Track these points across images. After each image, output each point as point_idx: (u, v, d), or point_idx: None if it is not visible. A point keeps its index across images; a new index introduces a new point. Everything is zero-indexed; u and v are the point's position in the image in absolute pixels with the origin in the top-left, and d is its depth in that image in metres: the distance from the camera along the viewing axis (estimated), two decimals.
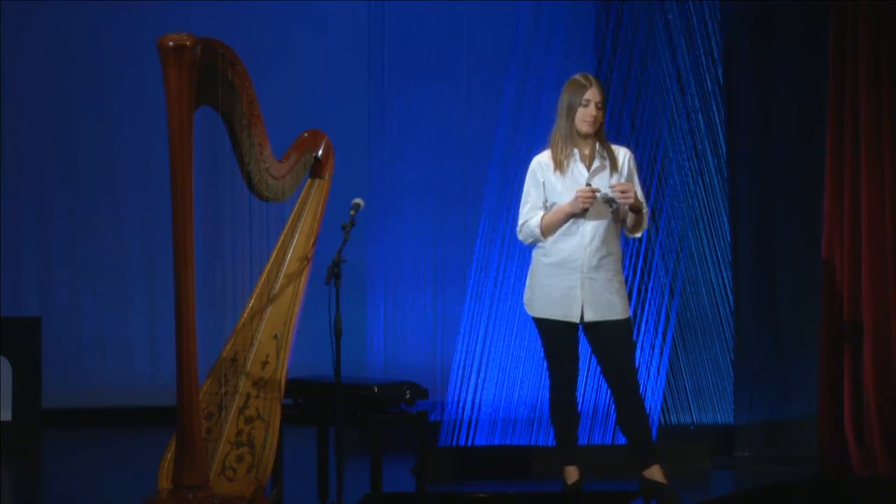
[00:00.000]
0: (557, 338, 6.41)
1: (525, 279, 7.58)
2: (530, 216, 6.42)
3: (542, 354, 7.83)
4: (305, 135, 6.26)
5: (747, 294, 7.89)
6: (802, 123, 7.79)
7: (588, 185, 6.28)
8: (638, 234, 6.49)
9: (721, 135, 7.98)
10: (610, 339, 6.37)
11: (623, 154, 6.43)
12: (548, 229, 6.37)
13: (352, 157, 7.49)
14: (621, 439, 7.76)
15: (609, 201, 6.30)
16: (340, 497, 6.02)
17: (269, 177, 6.02)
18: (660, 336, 7.85)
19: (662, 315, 7.87)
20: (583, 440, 7.73)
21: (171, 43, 5.66)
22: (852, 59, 7.23)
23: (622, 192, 6.25)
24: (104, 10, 9.30)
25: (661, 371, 7.84)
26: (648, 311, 7.87)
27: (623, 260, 6.51)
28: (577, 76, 6.40)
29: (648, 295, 7.88)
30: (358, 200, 6.20)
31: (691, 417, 8.01)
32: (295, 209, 6.27)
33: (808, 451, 7.59)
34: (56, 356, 9.17)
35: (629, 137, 7.92)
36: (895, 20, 7.17)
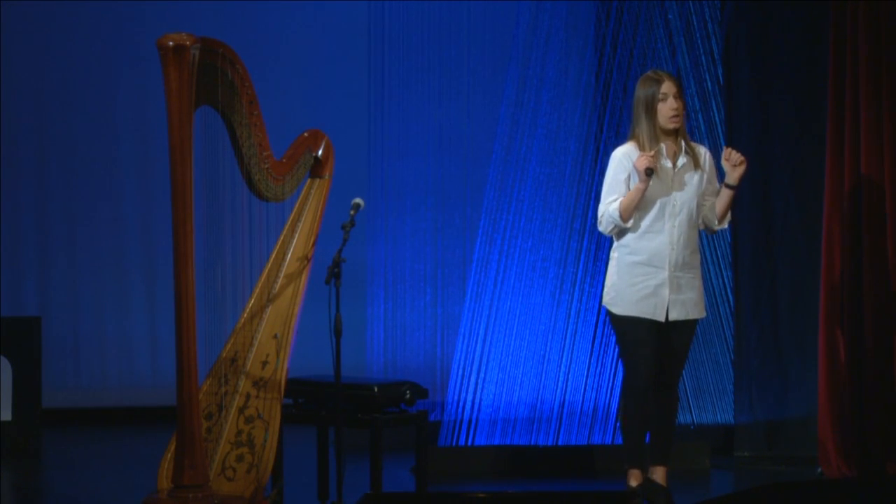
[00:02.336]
0: (639, 336, 6.33)
1: (525, 279, 7.59)
2: (610, 205, 6.32)
3: (541, 354, 7.85)
4: (305, 135, 6.26)
5: (747, 294, 7.89)
6: (802, 123, 7.79)
7: (649, 170, 6.19)
8: (724, 226, 6.44)
9: (721, 135, 7.98)
10: (682, 338, 6.37)
11: (704, 152, 6.42)
12: (626, 209, 6.26)
13: (352, 157, 7.49)
14: (620, 439, 7.76)
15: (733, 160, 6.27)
16: (340, 497, 6.02)
17: (269, 177, 6.02)
18: None
19: None
20: (583, 440, 7.74)
21: (171, 43, 5.66)
22: (852, 59, 7.23)
23: (739, 162, 6.23)
24: (104, 10, 9.30)
25: None
26: None
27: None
28: (648, 73, 6.36)
29: None
30: (358, 200, 6.20)
31: (691, 417, 8.01)
32: (295, 209, 6.27)
33: (808, 451, 7.59)
34: (56, 356, 9.18)
35: (629, 137, 7.92)
36: (895, 20, 7.17)
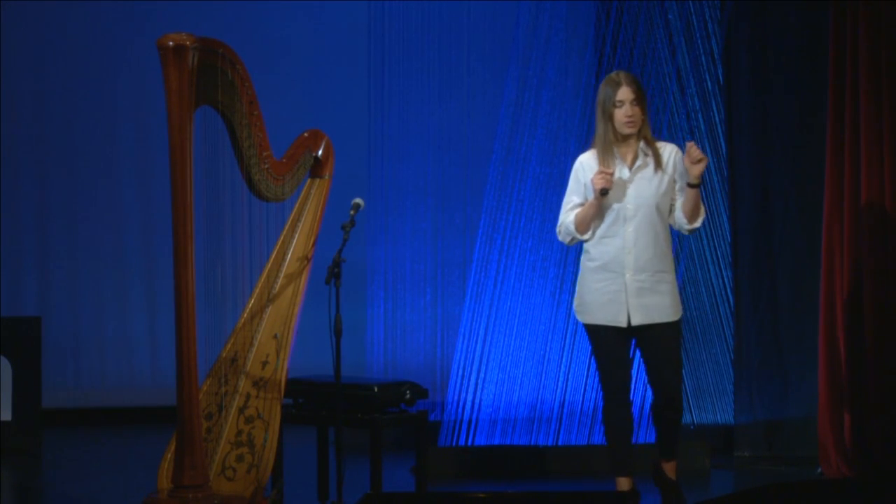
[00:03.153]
0: (607, 344, 6.28)
1: (525, 279, 7.60)
2: (568, 215, 6.31)
3: (541, 354, 7.85)
4: (305, 135, 6.26)
5: (747, 294, 7.89)
6: (802, 123, 7.79)
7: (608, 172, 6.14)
8: (696, 225, 6.28)
9: (721, 135, 7.98)
10: (657, 343, 6.25)
11: (668, 151, 6.28)
12: (581, 224, 6.24)
13: (352, 157, 7.49)
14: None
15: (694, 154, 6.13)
16: (340, 497, 6.02)
17: (269, 177, 6.02)
18: None
19: None
20: (583, 440, 7.74)
21: (171, 43, 5.66)
22: (852, 59, 7.23)
23: (698, 159, 6.08)
24: (104, 10, 9.30)
25: None
26: None
27: (674, 259, 6.36)
28: (611, 74, 6.29)
29: None
30: (358, 200, 6.20)
31: (691, 417, 8.01)
32: (295, 209, 6.26)
33: (808, 451, 7.59)
34: (56, 356, 9.18)
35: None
36: (895, 20, 7.17)
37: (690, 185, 6.18)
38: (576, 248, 7.76)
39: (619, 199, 6.21)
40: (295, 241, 6.22)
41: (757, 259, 7.88)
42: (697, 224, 6.29)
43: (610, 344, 6.28)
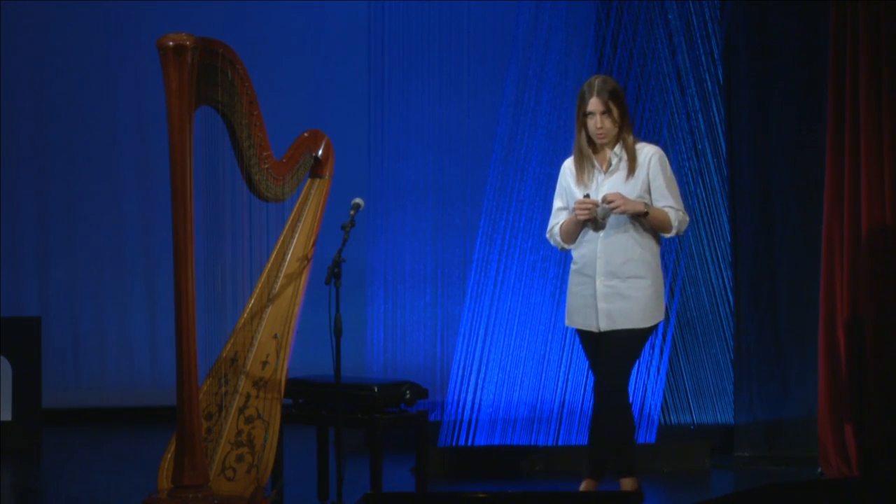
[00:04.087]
0: (586, 348, 6.31)
1: (525, 279, 7.60)
2: (555, 222, 6.34)
3: (541, 354, 7.87)
4: (305, 135, 6.26)
5: (747, 294, 7.89)
6: (802, 123, 7.78)
7: (587, 195, 6.14)
8: (668, 235, 6.24)
9: (721, 135, 7.98)
10: (612, 346, 6.19)
11: (647, 153, 6.23)
12: (565, 236, 6.29)
13: (352, 157, 7.49)
14: None
15: (606, 208, 6.14)
16: (340, 497, 6.02)
17: (269, 177, 6.02)
18: (660, 336, 7.85)
19: None
20: (583, 440, 7.73)
21: (171, 43, 5.66)
22: (852, 60, 7.23)
23: (610, 202, 6.08)
24: (104, 10, 9.30)
25: (661, 371, 7.84)
26: None
27: (658, 263, 6.27)
28: (584, 85, 6.26)
29: None
30: (358, 200, 6.20)
31: (691, 417, 8.01)
32: (295, 209, 6.26)
33: (808, 451, 7.59)
34: (56, 356, 9.18)
35: None
36: (895, 20, 7.17)
37: (637, 216, 6.15)
38: None
39: (595, 205, 6.19)
40: (295, 241, 6.22)
41: (757, 259, 7.88)
42: (671, 234, 6.25)
43: (590, 348, 6.29)
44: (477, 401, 7.80)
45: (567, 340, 7.82)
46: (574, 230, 6.24)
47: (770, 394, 7.83)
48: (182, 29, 5.75)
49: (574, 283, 6.29)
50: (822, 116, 7.47)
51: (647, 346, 7.80)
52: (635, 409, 7.82)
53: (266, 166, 6.00)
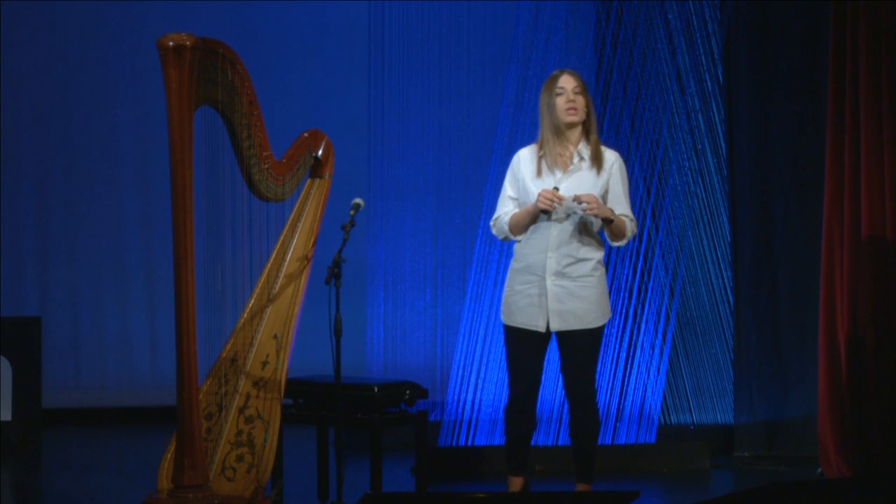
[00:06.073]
0: (521, 347, 6.19)
1: None
2: (503, 211, 6.22)
3: None
4: (305, 135, 6.26)
5: (747, 294, 7.89)
6: (802, 123, 7.79)
7: (556, 188, 6.06)
8: (619, 244, 6.19)
9: (721, 135, 7.98)
10: (572, 349, 6.15)
11: (611, 157, 6.18)
12: (515, 227, 6.16)
13: (352, 157, 7.50)
14: (621, 439, 7.76)
15: (576, 207, 6.05)
16: (340, 497, 6.02)
17: (269, 177, 6.02)
18: (660, 336, 7.85)
19: (662, 315, 7.87)
20: None
21: (171, 43, 5.66)
22: (852, 59, 7.23)
23: (586, 202, 5.98)
24: (104, 10, 9.30)
25: (661, 371, 7.85)
26: (648, 311, 7.87)
27: (603, 265, 6.21)
28: (551, 73, 6.21)
29: (648, 295, 7.88)
30: (358, 200, 6.20)
31: (691, 417, 8.01)
32: (295, 209, 6.26)
33: (808, 451, 7.59)
34: (56, 356, 9.18)
35: (629, 137, 7.93)
36: (895, 20, 7.17)
37: (605, 222, 6.09)
38: None
39: None
40: (295, 241, 6.22)
41: (757, 259, 7.88)
42: (621, 244, 6.21)
43: (524, 348, 6.19)
44: (477, 401, 7.80)
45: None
46: (527, 221, 6.12)
47: (770, 394, 7.84)
48: (182, 29, 5.75)
49: (518, 282, 6.18)
50: (822, 116, 7.47)
51: (648, 346, 7.82)
52: (635, 409, 7.83)
53: (266, 166, 6.00)
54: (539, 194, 6.02)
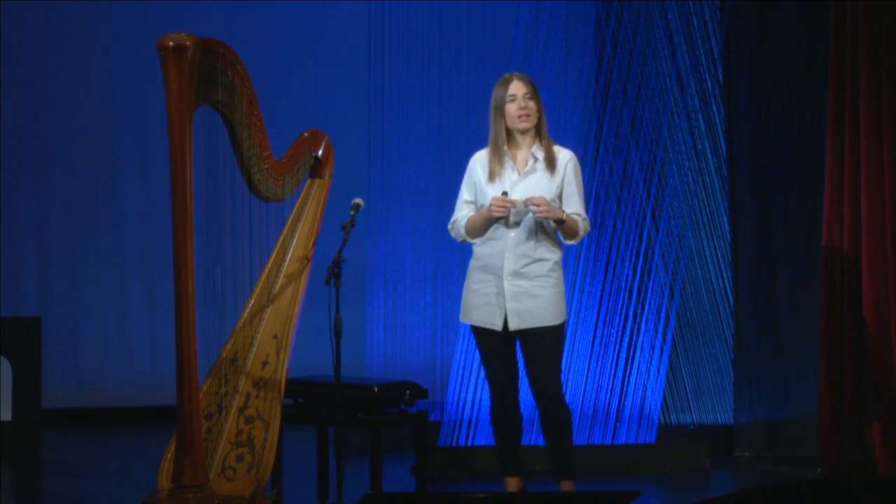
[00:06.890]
0: (485, 346, 6.23)
1: None
2: (461, 215, 6.25)
3: None
4: (305, 135, 6.26)
5: (747, 294, 7.89)
6: (802, 123, 7.79)
7: (504, 193, 6.08)
8: (572, 242, 6.21)
9: (721, 135, 7.98)
10: (533, 347, 6.15)
11: (564, 157, 6.19)
12: (471, 231, 6.20)
13: (352, 157, 7.49)
14: (621, 439, 7.76)
15: (527, 210, 6.07)
16: (340, 497, 6.02)
17: (269, 177, 6.02)
18: (660, 336, 7.85)
19: (662, 315, 7.87)
20: (583, 440, 7.73)
21: (171, 43, 5.66)
22: (852, 59, 7.23)
23: (536, 205, 6.01)
24: (104, 10, 9.30)
25: (661, 371, 7.85)
26: (648, 311, 7.87)
27: (560, 265, 6.20)
28: (504, 75, 6.21)
29: (648, 295, 7.88)
30: (358, 200, 6.20)
31: (691, 417, 8.01)
32: (295, 209, 6.26)
33: (808, 451, 7.59)
34: (56, 356, 9.18)
35: (629, 137, 7.92)
36: (895, 20, 7.17)
37: (557, 223, 6.11)
38: (574, 249, 7.77)
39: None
40: (295, 241, 6.22)
41: (757, 259, 7.88)
42: (573, 243, 6.23)
43: (488, 347, 6.22)
44: (477, 401, 7.80)
45: (566, 340, 7.81)
46: (483, 226, 6.16)
47: (770, 394, 7.84)
48: (182, 29, 5.75)
49: (476, 281, 6.21)
50: (822, 116, 7.47)
51: (647, 346, 7.81)
52: (635, 409, 7.82)
53: (266, 166, 6.00)
54: (491, 201, 6.08)
